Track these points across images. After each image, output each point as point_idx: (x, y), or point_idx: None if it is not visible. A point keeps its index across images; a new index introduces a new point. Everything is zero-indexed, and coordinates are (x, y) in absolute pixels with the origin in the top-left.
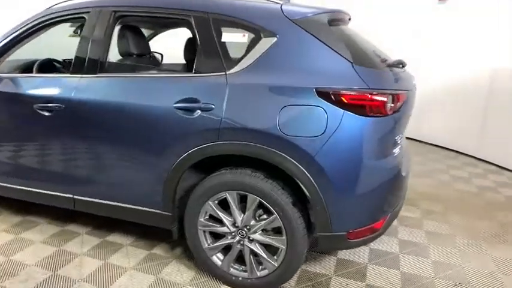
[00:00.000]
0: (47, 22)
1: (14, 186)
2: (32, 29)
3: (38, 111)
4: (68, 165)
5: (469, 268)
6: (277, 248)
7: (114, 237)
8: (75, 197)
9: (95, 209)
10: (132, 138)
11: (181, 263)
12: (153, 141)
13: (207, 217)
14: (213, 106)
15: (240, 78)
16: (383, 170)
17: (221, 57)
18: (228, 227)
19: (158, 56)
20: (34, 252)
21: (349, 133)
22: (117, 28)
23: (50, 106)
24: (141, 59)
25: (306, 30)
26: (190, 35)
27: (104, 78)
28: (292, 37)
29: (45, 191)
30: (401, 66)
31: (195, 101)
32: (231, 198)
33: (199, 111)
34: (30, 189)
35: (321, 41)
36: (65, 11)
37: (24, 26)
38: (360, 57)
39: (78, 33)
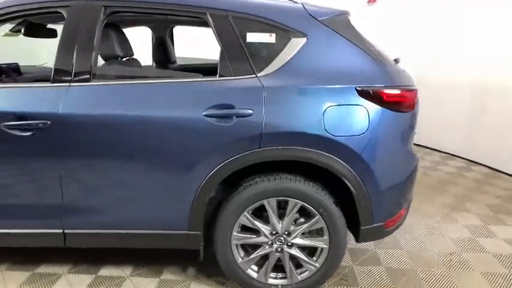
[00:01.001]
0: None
1: None
2: None
3: (7, 130)
4: (50, 195)
5: (434, 251)
6: (314, 250)
7: (109, 271)
8: (66, 231)
9: (96, 242)
10: (149, 155)
11: (200, 283)
12: (180, 156)
13: (239, 229)
14: (251, 111)
15: (276, 81)
16: (410, 161)
17: (248, 59)
18: (266, 236)
19: None
20: None
21: (388, 129)
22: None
23: (28, 124)
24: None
25: (334, 30)
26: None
27: (101, 86)
28: (321, 37)
29: (20, 230)
30: (397, 63)
31: (229, 107)
32: (270, 206)
33: (235, 118)
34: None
35: (348, 40)
36: (30, 3)
37: None
38: (380, 56)
39: (22, 31)
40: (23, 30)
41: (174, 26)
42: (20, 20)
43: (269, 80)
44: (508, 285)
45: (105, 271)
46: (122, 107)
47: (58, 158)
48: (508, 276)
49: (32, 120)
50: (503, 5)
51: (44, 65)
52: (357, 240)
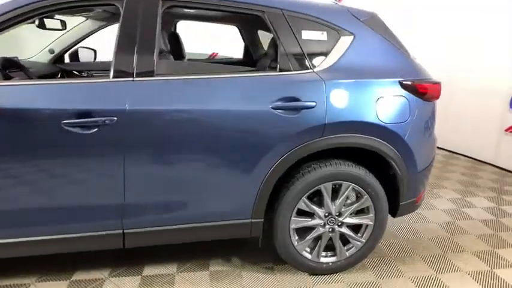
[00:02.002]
0: (50, 8)
1: (27, 239)
2: (24, 16)
3: (68, 128)
4: (110, 195)
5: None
6: (358, 227)
7: (155, 270)
8: (126, 231)
9: (158, 239)
10: (218, 148)
11: (249, 271)
12: (248, 148)
13: (296, 214)
14: (314, 103)
15: (332, 75)
16: (434, 143)
17: (305, 55)
18: (320, 218)
19: (91, 52)
20: None
21: (422, 116)
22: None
23: (93, 121)
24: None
25: (373, 29)
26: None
27: (166, 81)
28: (365, 36)
29: (75, 235)
30: None
31: (296, 99)
32: (326, 190)
33: (301, 110)
34: (50, 237)
35: (385, 38)
36: None
37: (16, 9)
38: (407, 51)
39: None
40: (36, 22)
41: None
42: (73, 11)
43: (327, 74)
44: (496, 241)
45: (151, 270)
46: (190, 102)
47: (123, 155)
48: (495, 235)
49: (98, 117)
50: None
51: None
52: (394, 215)
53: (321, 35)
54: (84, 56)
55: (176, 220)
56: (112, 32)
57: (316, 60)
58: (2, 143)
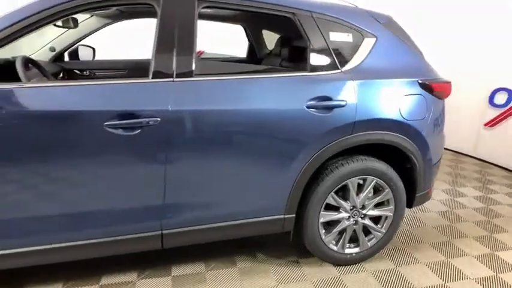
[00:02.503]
0: (77, 8)
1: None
2: (57, 14)
3: (109, 130)
4: (151, 196)
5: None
6: (378, 219)
7: (184, 269)
8: (164, 232)
9: (195, 239)
10: (256, 146)
11: (277, 265)
12: (283, 146)
13: (324, 208)
14: (345, 102)
15: (359, 75)
16: (444, 139)
17: (333, 56)
18: (346, 211)
19: (89, 50)
20: None
21: (437, 113)
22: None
23: (137, 122)
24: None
25: (392, 32)
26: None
27: (206, 81)
28: (386, 38)
29: (114, 238)
30: None
31: (328, 99)
32: (352, 184)
33: (333, 109)
34: (90, 242)
35: (402, 40)
36: None
37: (19, 16)
38: (421, 52)
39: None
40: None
41: None
42: (106, 9)
43: (354, 75)
44: (491, 226)
45: (180, 270)
46: (228, 102)
47: (165, 156)
48: (489, 221)
49: (142, 118)
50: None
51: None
52: (410, 206)
53: (346, 37)
54: (83, 54)
55: (213, 219)
56: (112, 30)
57: (343, 61)
58: (44, 145)
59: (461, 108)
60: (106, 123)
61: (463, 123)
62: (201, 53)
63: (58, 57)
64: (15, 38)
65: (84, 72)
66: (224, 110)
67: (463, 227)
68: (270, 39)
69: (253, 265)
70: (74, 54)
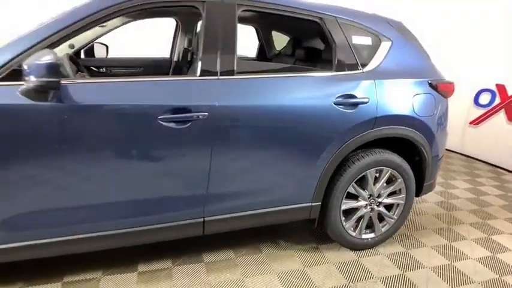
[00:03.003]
0: (130, 9)
1: (77, 237)
2: (95, 17)
3: (164, 124)
4: (196, 185)
5: None
6: (390, 207)
7: (220, 255)
8: (206, 219)
9: (229, 226)
10: (288, 139)
11: (303, 251)
12: (314, 138)
13: (345, 197)
14: (368, 100)
15: (378, 75)
16: (447, 135)
17: (355, 57)
18: (364, 199)
19: (103, 48)
20: None
21: (443, 110)
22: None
23: (188, 116)
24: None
25: (403, 36)
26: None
27: (246, 79)
28: (399, 41)
29: (142, 228)
30: None
31: (353, 96)
32: (370, 175)
33: (359, 105)
34: (108, 232)
35: (412, 43)
36: None
37: (77, 17)
38: (428, 55)
39: None
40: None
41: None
42: (154, 10)
43: (374, 74)
44: (484, 214)
45: (213, 257)
46: (266, 98)
47: (210, 148)
48: (481, 209)
49: (192, 112)
50: None
51: None
52: (418, 194)
53: (366, 40)
54: (98, 52)
55: (250, 207)
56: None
57: (364, 62)
58: (102, 137)
59: (449, 108)
60: (160, 117)
61: (450, 122)
62: None
63: (75, 54)
64: (74, 36)
65: (101, 69)
66: (261, 105)
67: (459, 215)
68: (279, 40)
69: (277, 251)
70: (90, 51)
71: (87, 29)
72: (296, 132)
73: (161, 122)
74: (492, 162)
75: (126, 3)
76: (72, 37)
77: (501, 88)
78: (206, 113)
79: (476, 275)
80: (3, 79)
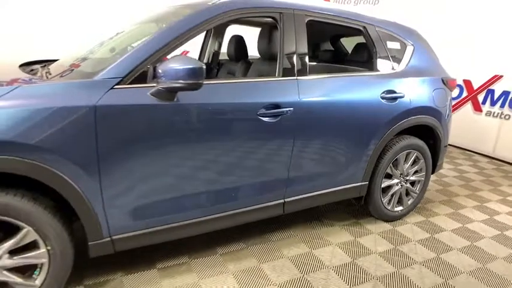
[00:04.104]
0: (227, 18)
1: (191, 221)
2: (203, 25)
3: (261, 118)
4: (278, 171)
5: None
6: (412, 183)
7: (281, 234)
8: (286, 199)
9: (303, 205)
10: (349, 128)
11: (347, 225)
12: (368, 127)
13: (384, 177)
14: (403, 94)
15: (407, 74)
16: (451, 123)
17: (390, 59)
18: (397, 178)
19: None
20: None
21: (450, 102)
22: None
23: (279, 111)
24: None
25: (420, 41)
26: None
27: (316, 79)
28: (419, 46)
29: (241, 209)
30: None
31: (394, 92)
32: (401, 157)
33: (398, 99)
34: (217, 215)
35: (425, 46)
36: (253, 8)
37: (190, 25)
38: (437, 56)
39: None
40: None
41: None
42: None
43: (404, 73)
44: (471, 188)
45: (275, 236)
46: (331, 94)
47: (293, 139)
48: (467, 184)
49: (282, 108)
50: None
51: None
52: (433, 172)
53: (396, 45)
54: None
55: (319, 187)
56: None
57: (395, 63)
58: (211, 132)
59: None
60: (258, 113)
61: None
62: (185, 53)
63: None
64: (185, 42)
65: None
66: (328, 100)
67: (453, 189)
68: None
69: (327, 228)
70: None
71: (195, 36)
72: (354, 122)
73: (259, 117)
74: (462, 146)
75: (227, 13)
76: (184, 43)
77: (468, 83)
78: (291, 108)
79: (483, 231)
80: (133, 82)
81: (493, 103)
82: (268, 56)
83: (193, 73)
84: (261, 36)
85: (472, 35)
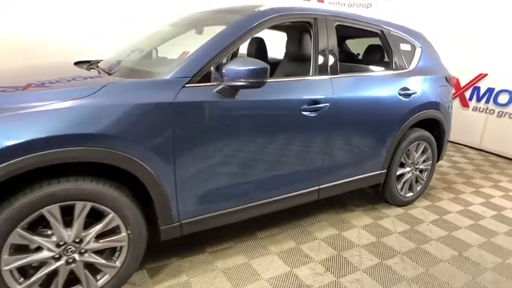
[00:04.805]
0: (270, 23)
1: (245, 206)
2: (253, 30)
3: (304, 113)
4: (315, 160)
5: None
6: (421, 171)
7: (313, 220)
8: (321, 186)
9: (334, 192)
10: (373, 121)
11: (367, 210)
12: (388, 120)
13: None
14: (416, 91)
15: (417, 73)
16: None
17: (403, 59)
18: (409, 167)
19: None
20: None
21: (451, 98)
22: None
23: (318, 107)
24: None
25: (426, 43)
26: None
27: (346, 78)
28: (426, 47)
29: (284, 195)
30: None
31: (408, 89)
32: (413, 147)
33: (412, 95)
34: (266, 200)
35: (430, 47)
36: (292, 15)
37: (244, 29)
38: (439, 56)
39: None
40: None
41: None
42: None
43: (415, 72)
44: (466, 176)
45: (308, 221)
46: (359, 91)
47: (327, 131)
48: (461, 173)
49: (321, 103)
50: None
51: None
52: (437, 161)
53: (407, 47)
54: None
55: (347, 175)
56: None
57: (407, 63)
58: (264, 125)
59: None
60: (301, 108)
61: None
62: (184, 54)
63: None
64: (238, 45)
65: None
66: (356, 96)
67: (450, 177)
68: None
69: (349, 213)
70: None
71: (245, 41)
72: (378, 116)
73: (302, 112)
74: (451, 140)
75: (273, 18)
76: (237, 47)
77: (456, 81)
78: (328, 104)
79: (483, 212)
80: (199, 81)
81: (478, 99)
82: (298, 56)
83: (259, 73)
84: (291, 39)
85: (459, 37)
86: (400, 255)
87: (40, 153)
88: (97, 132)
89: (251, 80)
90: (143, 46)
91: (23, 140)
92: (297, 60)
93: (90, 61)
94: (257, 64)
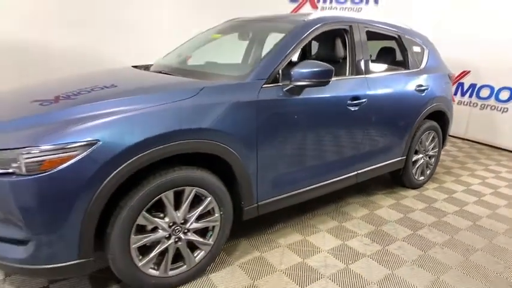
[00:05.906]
0: (321, 30)
1: (304, 190)
2: (308, 37)
3: (349, 108)
4: (356, 148)
5: None
6: (430, 157)
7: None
8: (358, 171)
9: (368, 176)
10: (398, 114)
11: (390, 193)
12: (409, 112)
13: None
14: (428, 87)
15: (427, 71)
16: None
17: (416, 60)
18: (422, 153)
19: None
20: None
21: (451, 91)
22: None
23: (359, 102)
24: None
25: (431, 44)
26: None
27: (377, 76)
28: (431, 49)
29: (332, 180)
30: None
31: (422, 85)
32: (425, 136)
33: (425, 91)
34: (319, 184)
35: (435, 49)
36: (337, 22)
37: (301, 36)
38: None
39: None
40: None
41: None
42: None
43: (426, 71)
44: (458, 162)
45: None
46: (387, 88)
47: (365, 122)
48: (455, 159)
49: (361, 99)
50: None
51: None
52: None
53: (418, 49)
54: None
55: (378, 161)
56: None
57: (418, 63)
58: (322, 118)
59: None
60: (347, 103)
61: None
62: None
63: None
64: (297, 50)
65: None
66: (386, 93)
67: (446, 163)
68: None
69: (374, 196)
70: None
71: (301, 47)
72: (402, 109)
73: (348, 107)
74: None
75: (323, 25)
76: (295, 53)
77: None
78: (366, 99)
79: (483, 190)
80: (271, 82)
81: (463, 94)
82: (332, 58)
83: (325, 73)
84: (325, 44)
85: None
86: (427, 226)
87: (168, 144)
88: (207, 127)
89: (316, 80)
90: (196, 52)
91: (156, 134)
92: (330, 62)
93: (147, 65)
94: (321, 66)
